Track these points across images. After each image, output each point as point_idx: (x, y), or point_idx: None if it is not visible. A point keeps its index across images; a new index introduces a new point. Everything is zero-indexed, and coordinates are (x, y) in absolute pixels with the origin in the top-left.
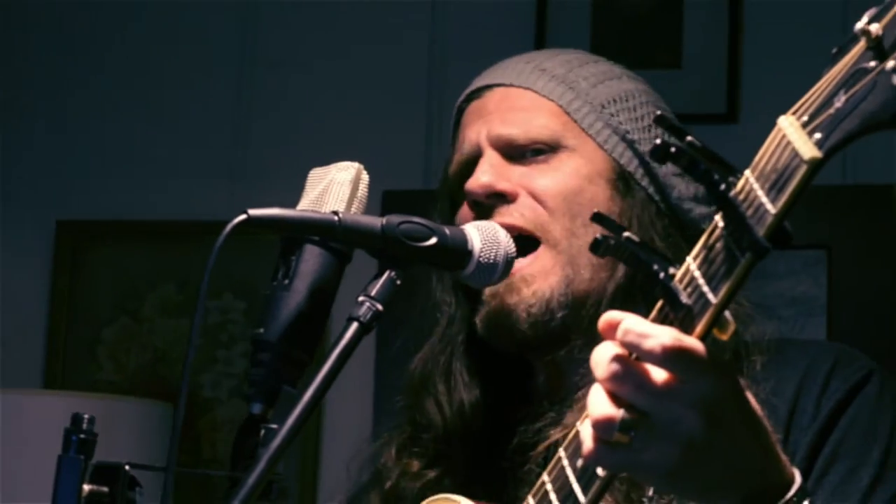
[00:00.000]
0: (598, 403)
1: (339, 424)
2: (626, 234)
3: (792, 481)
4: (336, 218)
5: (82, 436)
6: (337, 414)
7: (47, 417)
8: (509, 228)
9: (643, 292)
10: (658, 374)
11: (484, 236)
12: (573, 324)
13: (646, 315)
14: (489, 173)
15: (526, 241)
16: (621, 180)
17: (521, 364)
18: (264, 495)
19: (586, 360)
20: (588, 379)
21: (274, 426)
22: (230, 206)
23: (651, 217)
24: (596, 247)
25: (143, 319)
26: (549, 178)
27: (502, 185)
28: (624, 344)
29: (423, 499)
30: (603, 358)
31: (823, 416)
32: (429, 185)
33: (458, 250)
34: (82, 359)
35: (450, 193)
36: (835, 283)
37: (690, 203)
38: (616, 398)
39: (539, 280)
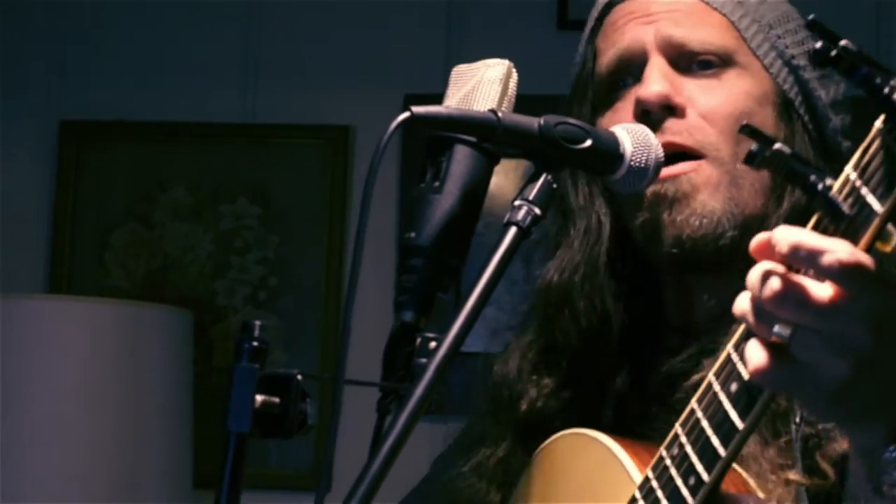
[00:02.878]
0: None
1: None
2: (779, 145)
3: None
4: (495, 117)
5: (255, 343)
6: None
7: (55, 323)
8: (676, 147)
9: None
10: (824, 291)
11: (635, 139)
12: (740, 246)
13: None
14: (662, 82)
15: (686, 157)
16: (784, 107)
17: (668, 285)
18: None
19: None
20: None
21: (431, 335)
22: (243, 108)
23: (805, 147)
24: (751, 158)
25: (152, 224)
26: (721, 96)
27: (678, 99)
28: (794, 259)
29: (559, 423)
30: (761, 276)
31: None
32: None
33: (610, 154)
34: (89, 264)
35: (593, 95)
36: None
37: (841, 137)
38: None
39: (706, 192)
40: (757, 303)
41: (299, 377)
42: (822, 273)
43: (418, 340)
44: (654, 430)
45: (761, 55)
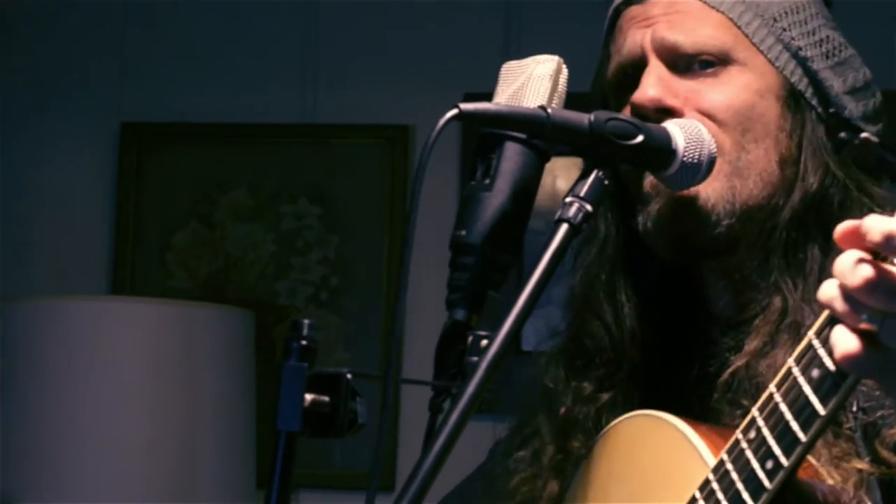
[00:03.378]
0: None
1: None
2: (866, 134)
3: None
4: (545, 114)
5: (303, 342)
6: (418, 304)
7: (118, 325)
8: None
9: (818, 217)
10: None
11: (687, 135)
12: (740, 236)
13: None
14: (657, 86)
15: None
16: (791, 98)
17: (689, 284)
18: None
19: (759, 283)
20: (764, 302)
21: (483, 333)
22: (302, 109)
23: (821, 137)
24: (839, 146)
25: (214, 225)
26: (719, 92)
27: (671, 101)
28: (887, 248)
29: (600, 423)
30: (851, 264)
31: None
32: None
33: (663, 149)
34: (152, 266)
35: (604, 99)
36: None
37: (860, 122)
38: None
39: (702, 183)
40: (846, 290)
41: (349, 376)
42: None
43: (470, 339)
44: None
45: (765, 49)
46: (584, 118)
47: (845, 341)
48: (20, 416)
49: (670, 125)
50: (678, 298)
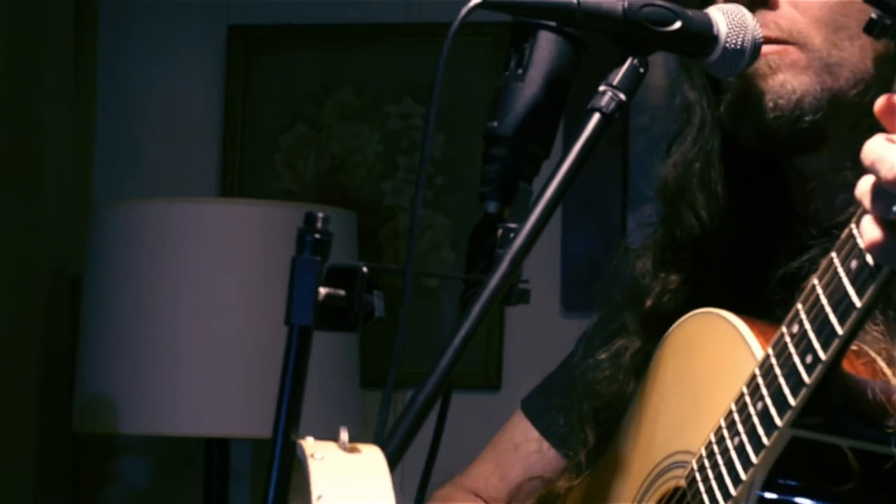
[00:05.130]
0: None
1: None
2: None
3: None
4: (575, 0)
5: (317, 235)
6: None
7: (225, 226)
8: (766, 40)
9: None
10: None
11: (730, 20)
12: (828, 131)
13: None
14: None
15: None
16: None
17: (784, 184)
18: (505, 299)
19: (853, 183)
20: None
21: (512, 225)
22: (407, 8)
23: None
24: (871, 27)
25: (320, 126)
26: None
27: None
28: None
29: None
30: (885, 149)
31: None
32: None
33: (703, 35)
34: (259, 167)
35: None
36: None
37: None
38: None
39: (787, 72)
40: (876, 183)
41: (365, 269)
42: None
43: (500, 231)
44: (778, 318)
45: None
46: (618, 4)
47: (871, 231)
48: (132, 317)
49: (713, 10)
50: (773, 197)
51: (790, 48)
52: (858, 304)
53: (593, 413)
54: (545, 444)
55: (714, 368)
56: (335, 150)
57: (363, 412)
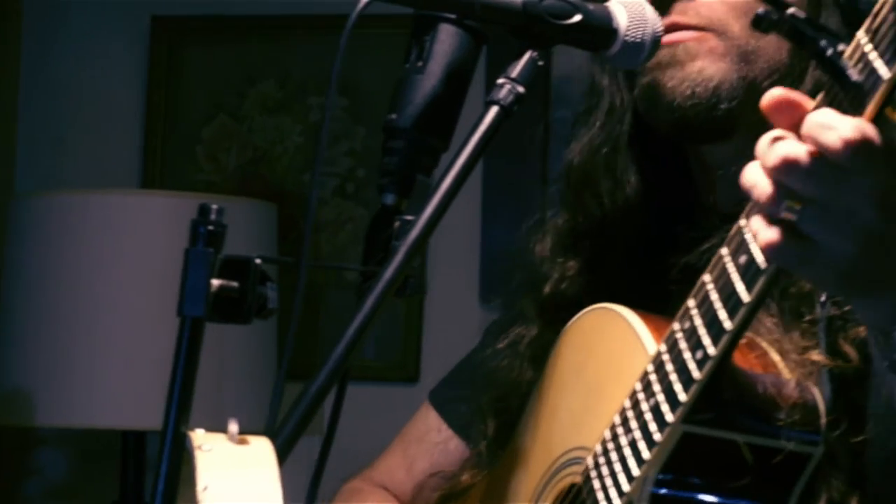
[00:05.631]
0: (765, 183)
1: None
2: (792, 9)
3: None
4: None
5: (210, 227)
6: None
7: (146, 218)
8: (685, 28)
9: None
10: (831, 163)
11: (630, 13)
12: (740, 119)
13: None
14: None
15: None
16: None
17: (690, 172)
18: (399, 291)
19: None
20: None
21: (409, 217)
22: (330, 0)
23: (838, 24)
24: (758, 22)
25: (242, 118)
26: None
27: None
28: (801, 133)
29: (581, 306)
30: (770, 143)
31: None
32: None
33: (603, 29)
34: (181, 159)
35: None
36: None
37: None
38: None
39: (705, 59)
40: (765, 173)
41: (258, 260)
42: (825, 150)
43: (397, 223)
44: (676, 309)
45: None
46: None
47: (764, 231)
48: (50, 309)
49: (613, 4)
50: (677, 186)
51: (708, 35)
52: (747, 299)
53: (493, 403)
54: (451, 436)
55: (609, 364)
56: (257, 142)
57: (284, 405)
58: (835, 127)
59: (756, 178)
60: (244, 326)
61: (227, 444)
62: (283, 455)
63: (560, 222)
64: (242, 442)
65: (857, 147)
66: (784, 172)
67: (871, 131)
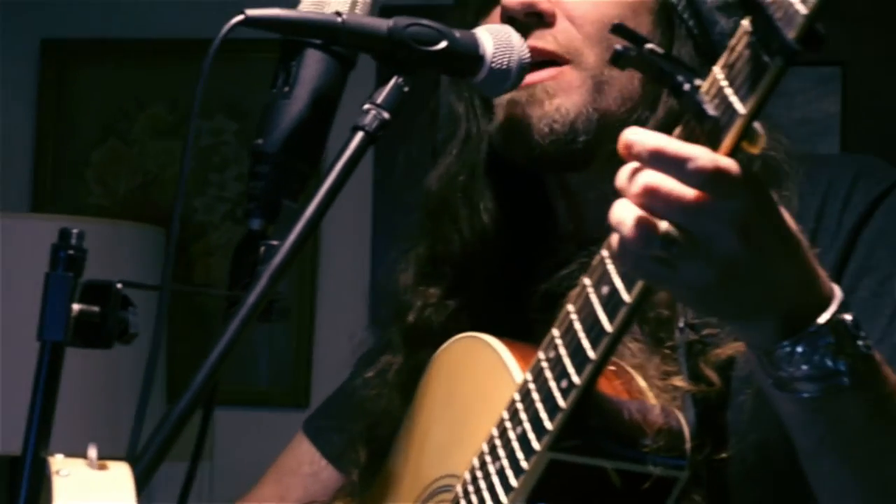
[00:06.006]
0: (634, 215)
1: (336, 244)
2: (650, 45)
3: (832, 297)
4: (339, 19)
5: (71, 252)
6: (334, 234)
7: (37, 241)
8: (541, 53)
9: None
10: (690, 192)
11: (497, 40)
12: (597, 149)
13: None
14: None
15: (552, 63)
16: (663, 11)
17: (549, 199)
18: (264, 315)
19: (612, 200)
20: None
21: (274, 243)
22: (223, 24)
23: (690, 54)
24: (616, 58)
25: (132, 141)
26: (589, 2)
27: (544, 5)
28: (656, 163)
29: (446, 333)
30: (631, 174)
31: (845, 232)
32: None
33: (469, 55)
34: (71, 182)
35: (476, 3)
36: (849, 101)
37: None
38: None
39: (562, 95)
40: (631, 207)
41: (119, 285)
42: (684, 179)
43: (262, 249)
44: (540, 337)
45: None
46: (384, 24)
47: (626, 252)
48: None
49: (480, 30)
50: (537, 212)
51: (565, 69)
52: (609, 329)
53: (364, 432)
54: (324, 465)
55: (477, 393)
56: (147, 166)
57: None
58: (692, 157)
59: (622, 215)
60: (139, 352)
61: (85, 470)
62: (143, 480)
63: (421, 251)
64: (102, 467)
65: (714, 176)
66: (647, 199)
67: (726, 163)
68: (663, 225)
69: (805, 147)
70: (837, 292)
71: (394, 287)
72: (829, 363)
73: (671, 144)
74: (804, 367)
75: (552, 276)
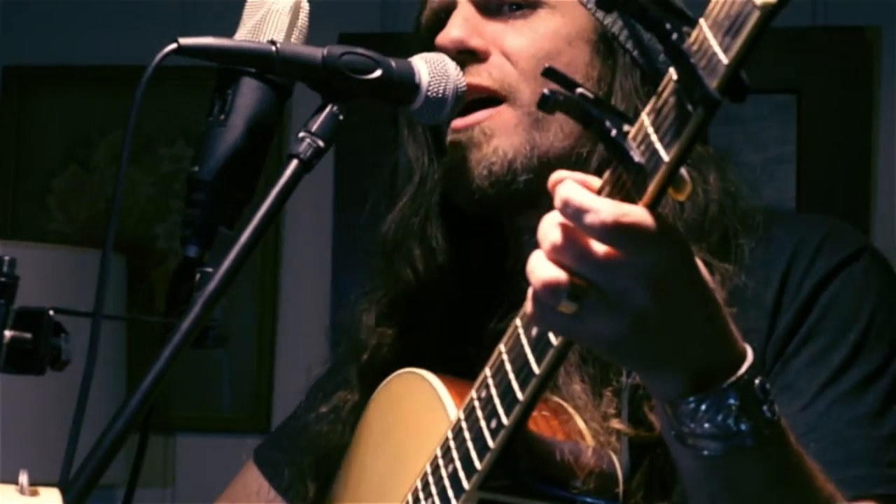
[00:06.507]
0: (545, 268)
1: (297, 273)
2: (580, 90)
3: (743, 358)
4: (273, 48)
5: (2, 279)
6: (295, 262)
7: None
8: (476, 88)
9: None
10: (600, 247)
11: (432, 69)
12: (541, 188)
13: None
14: (461, 27)
15: (489, 102)
16: (603, 42)
17: (501, 237)
18: (199, 341)
19: None
20: None
21: (210, 269)
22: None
23: (635, 83)
24: (544, 103)
25: (94, 168)
26: (524, 37)
27: (474, 42)
28: (564, 213)
29: (397, 369)
30: (548, 225)
31: (804, 293)
32: (387, 27)
33: (405, 84)
34: (32, 209)
35: (421, 42)
36: (804, 129)
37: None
38: (561, 268)
39: (500, 136)
40: (544, 261)
41: (52, 312)
42: (586, 232)
43: (198, 275)
44: None
45: None
46: (319, 52)
47: (535, 304)
48: None
49: (416, 59)
50: (490, 252)
51: (501, 108)
52: (537, 371)
53: (314, 466)
54: (273, 496)
55: (415, 429)
56: (109, 193)
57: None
58: (593, 210)
59: (533, 265)
60: (95, 379)
61: (15, 496)
62: None
63: (378, 291)
64: (33, 493)
65: (618, 230)
66: (556, 254)
67: (635, 216)
68: (565, 278)
69: (761, 175)
70: (749, 355)
71: (354, 326)
72: (732, 424)
73: (575, 196)
74: (706, 426)
75: (504, 315)
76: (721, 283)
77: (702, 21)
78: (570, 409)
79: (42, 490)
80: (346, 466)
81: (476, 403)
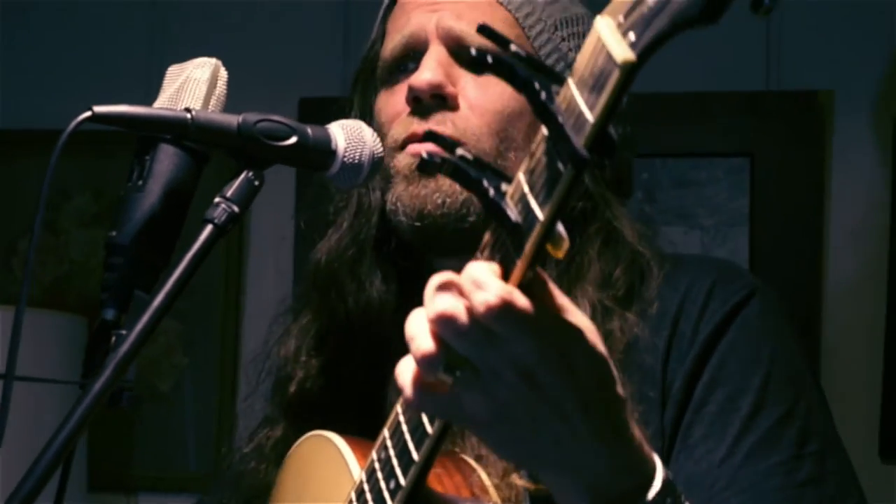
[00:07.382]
0: (424, 338)
1: (256, 329)
2: (460, 151)
3: (652, 476)
4: (188, 116)
5: None
6: (255, 319)
7: None
8: (441, 138)
9: (582, 221)
10: (481, 325)
11: (349, 135)
12: (482, 232)
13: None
14: (438, 72)
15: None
16: None
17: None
18: (113, 403)
19: None
20: None
21: (124, 332)
22: None
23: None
24: (422, 167)
25: (59, 231)
26: (491, 92)
27: (449, 89)
28: (454, 286)
29: (325, 406)
30: (434, 291)
31: (701, 341)
32: (347, 92)
33: (321, 150)
34: None
35: (378, 75)
36: (757, 191)
37: (623, 148)
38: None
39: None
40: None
41: None
42: (474, 310)
43: (114, 338)
44: None
45: (543, 56)
46: (234, 120)
47: (406, 379)
48: None
49: (333, 126)
50: (421, 289)
51: (459, 149)
52: (430, 431)
53: None
54: None
55: (323, 490)
56: (73, 255)
57: None
58: (485, 289)
59: (416, 331)
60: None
61: None
62: None
63: (305, 322)
64: None
65: (503, 312)
66: (440, 326)
67: (519, 300)
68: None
69: (715, 237)
70: (658, 476)
71: (273, 359)
72: None
73: (470, 269)
74: None
75: None
76: (621, 331)
77: (569, 79)
78: (474, 464)
79: None
80: None
81: (376, 465)
